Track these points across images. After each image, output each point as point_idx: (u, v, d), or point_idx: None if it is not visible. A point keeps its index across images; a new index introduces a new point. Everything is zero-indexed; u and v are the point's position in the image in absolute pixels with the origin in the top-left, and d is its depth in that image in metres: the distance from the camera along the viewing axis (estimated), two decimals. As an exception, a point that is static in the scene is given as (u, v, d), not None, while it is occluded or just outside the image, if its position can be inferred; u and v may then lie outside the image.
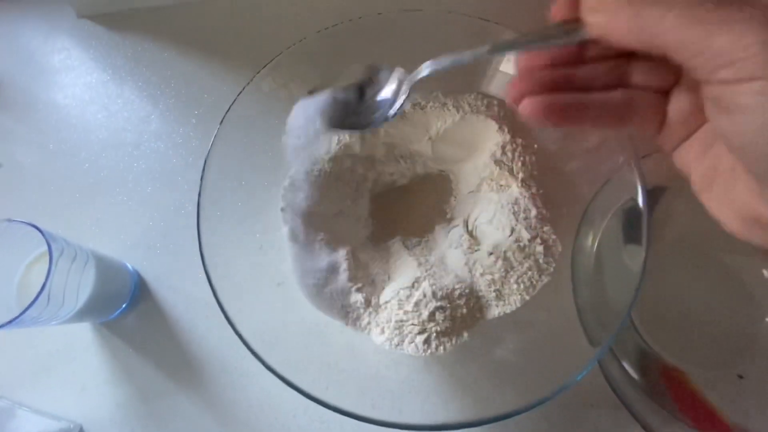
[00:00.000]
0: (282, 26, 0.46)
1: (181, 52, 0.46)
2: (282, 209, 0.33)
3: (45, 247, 0.29)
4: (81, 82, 0.45)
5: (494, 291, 0.31)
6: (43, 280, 0.28)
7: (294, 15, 0.47)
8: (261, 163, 0.35)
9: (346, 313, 0.31)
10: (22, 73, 0.46)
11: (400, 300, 0.31)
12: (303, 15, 0.47)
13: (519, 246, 0.31)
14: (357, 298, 0.32)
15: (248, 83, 0.31)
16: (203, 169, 0.30)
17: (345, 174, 0.36)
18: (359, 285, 0.32)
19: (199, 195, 0.29)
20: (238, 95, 0.31)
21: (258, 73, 0.32)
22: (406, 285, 0.31)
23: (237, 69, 0.45)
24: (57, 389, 0.36)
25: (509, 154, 0.34)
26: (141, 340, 0.37)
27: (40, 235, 0.30)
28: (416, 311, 0.30)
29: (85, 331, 0.37)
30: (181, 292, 0.38)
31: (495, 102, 0.35)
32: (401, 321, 0.30)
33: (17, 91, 0.46)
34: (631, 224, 0.29)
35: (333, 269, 0.32)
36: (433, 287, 0.30)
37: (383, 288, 0.32)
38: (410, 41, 0.32)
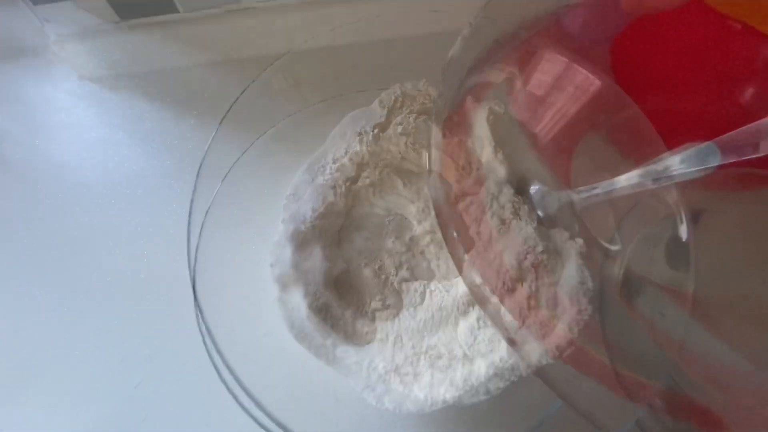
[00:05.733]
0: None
1: (179, 114, 0.47)
2: (282, 221, 0.31)
3: None
4: (80, 139, 0.46)
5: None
6: None
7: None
8: (262, 173, 0.34)
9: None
10: (21, 129, 0.46)
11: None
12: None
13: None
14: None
15: (255, 79, 0.29)
16: (197, 176, 0.29)
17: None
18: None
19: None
20: (242, 92, 0.29)
21: (265, 70, 0.30)
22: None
23: (238, 132, 0.45)
24: (25, 407, 0.33)
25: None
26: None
27: None
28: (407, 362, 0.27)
29: (58, 341, 0.35)
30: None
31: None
32: (388, 372, 0.27)
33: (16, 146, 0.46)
34: (669, 255, 0.25)
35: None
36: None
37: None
38: (427, 42, 0.30)
